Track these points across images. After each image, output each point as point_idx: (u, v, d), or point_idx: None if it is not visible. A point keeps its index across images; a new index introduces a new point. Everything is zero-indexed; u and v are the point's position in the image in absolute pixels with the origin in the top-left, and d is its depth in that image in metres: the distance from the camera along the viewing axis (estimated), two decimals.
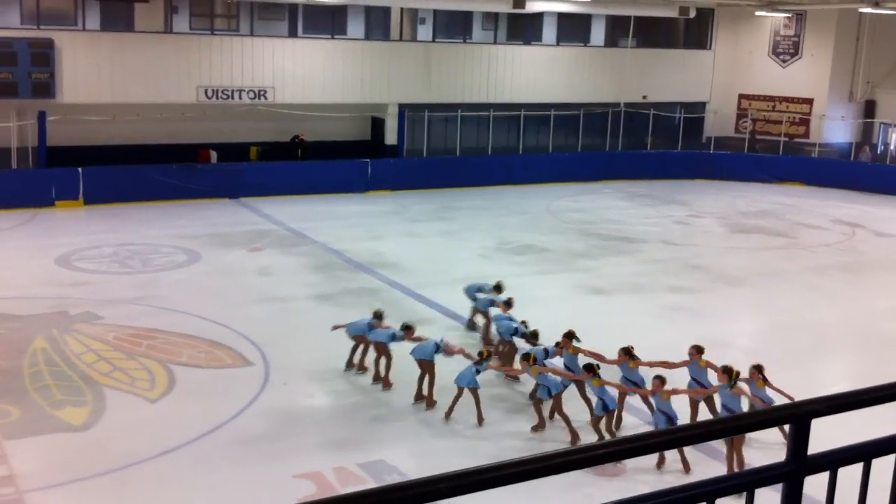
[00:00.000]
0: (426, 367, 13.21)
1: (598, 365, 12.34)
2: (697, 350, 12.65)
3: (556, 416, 12.49)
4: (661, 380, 11.65)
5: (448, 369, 13.15)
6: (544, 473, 2.17)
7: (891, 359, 15.90)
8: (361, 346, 14.23)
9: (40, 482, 10.78)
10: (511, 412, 13.19)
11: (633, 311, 17.06)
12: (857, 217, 28.77)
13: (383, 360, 13.85)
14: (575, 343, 13.22)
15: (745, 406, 11.55)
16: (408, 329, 13.76)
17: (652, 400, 12.01)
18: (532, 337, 13.88)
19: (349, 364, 14.30)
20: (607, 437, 11.87)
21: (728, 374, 11.62)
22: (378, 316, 14.27)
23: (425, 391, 13.22)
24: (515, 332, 14.34)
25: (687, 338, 15.27)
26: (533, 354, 12.61)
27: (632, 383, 12.49)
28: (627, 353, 12.58)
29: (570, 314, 17.14)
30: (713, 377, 12.36)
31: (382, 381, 13.78)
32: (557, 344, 13.27)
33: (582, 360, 13.00)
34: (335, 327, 14.55)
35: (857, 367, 16.08)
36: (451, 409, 12.73)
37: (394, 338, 13.75)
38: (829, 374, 15.91)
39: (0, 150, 26.30)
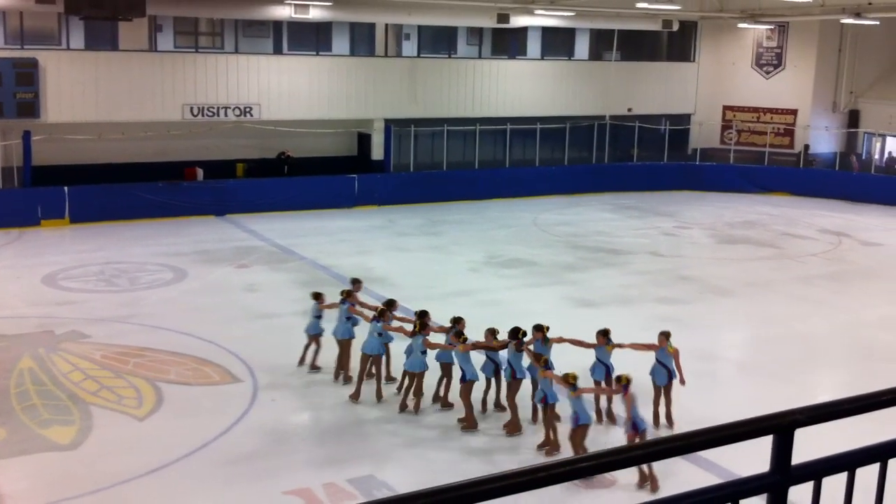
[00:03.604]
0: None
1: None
2: (666, 336, 13.19)
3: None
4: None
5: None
6: (527, 487, 2.17)
7: (878, 368, 15.94)
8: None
9: (28, 502, 10.71)
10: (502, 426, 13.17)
11: (623, 323, 17.00)
12: (844, 226, 28.90)
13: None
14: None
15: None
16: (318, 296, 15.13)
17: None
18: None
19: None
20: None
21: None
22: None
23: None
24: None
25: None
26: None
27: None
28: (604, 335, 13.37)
29: (560, 327, 17.14)
30: None
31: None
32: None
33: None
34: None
35: (845, 377, 16.12)
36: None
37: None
38: (818, 384, 15.94)
39: None
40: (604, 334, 13.27)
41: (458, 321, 13.64)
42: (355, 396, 13.77)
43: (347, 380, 14.38)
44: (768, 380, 15.39)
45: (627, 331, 15.24)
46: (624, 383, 11.58)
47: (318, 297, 15.15)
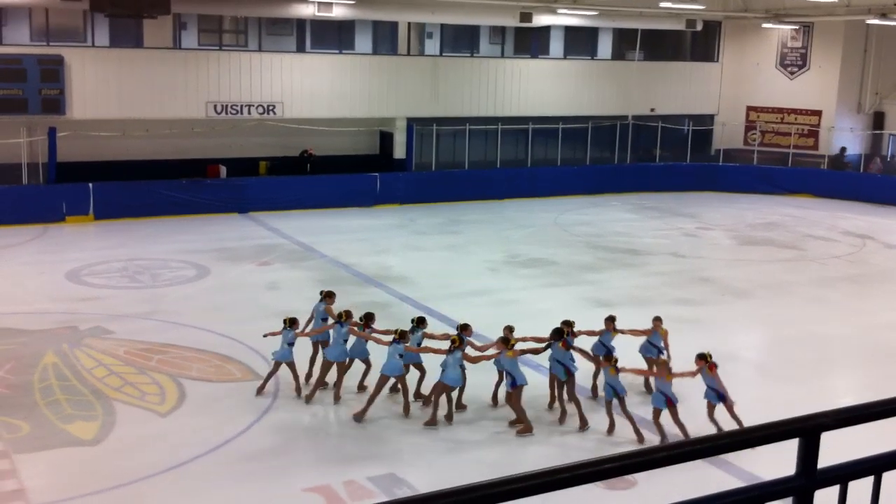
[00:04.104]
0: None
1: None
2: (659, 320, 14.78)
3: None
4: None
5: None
6: (550, 488, 2.18)
7: None
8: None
9: (50, 497, 10.79)
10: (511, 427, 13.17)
11: (640, 324, 17.00)
12: (867, 228, 28.69)
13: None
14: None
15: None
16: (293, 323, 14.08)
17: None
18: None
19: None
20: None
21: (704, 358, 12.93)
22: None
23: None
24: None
25: (694, 351, 15.24)
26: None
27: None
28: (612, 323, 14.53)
29: (577, 327, 17.13)
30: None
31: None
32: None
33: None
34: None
35: (865, 380, 15.99)
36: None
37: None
38: (838, 387, 15.84)
39: (10, 165, 26.45)
40: (611, 320, 14.51)
41: (464, 328, 13.61)
42: (361, 415, 13.11)
43: (337, 399, 13.73)
44: (786, 381, 15.32)
45: None
46: (708, 359, 12.71)
47: (293, 323, 13.99)
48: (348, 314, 13.99)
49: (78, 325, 17.02)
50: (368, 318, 14.08)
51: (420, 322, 14.11)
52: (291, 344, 13.88)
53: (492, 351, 13.32)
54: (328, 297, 14.86)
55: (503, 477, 2.14)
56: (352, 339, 13.97)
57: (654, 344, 14.47)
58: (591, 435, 12.97)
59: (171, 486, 11.17)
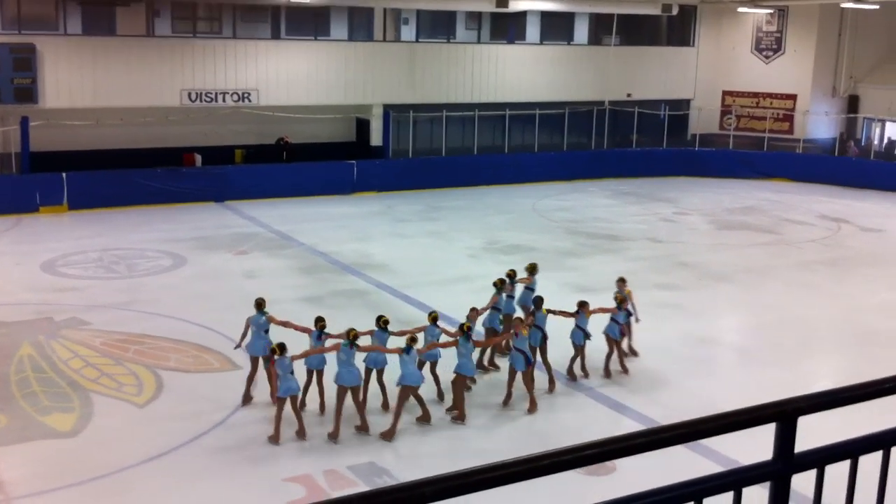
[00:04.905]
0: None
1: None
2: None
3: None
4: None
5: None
6: (531, 475, 2.16)
7: (877, 354, 15.94)
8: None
9: (28, 489, 10.72)
10: (499, 410, 13.19)
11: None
12: (843, 212, 28.88)
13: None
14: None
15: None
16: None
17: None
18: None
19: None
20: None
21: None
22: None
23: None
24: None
25: (674, 335, 15.33)
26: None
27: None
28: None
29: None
30: None
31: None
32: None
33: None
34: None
35: (843, 364, 16.13)
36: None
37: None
38: (816, 371, 15.95)
39: None
40: (583, 305, 14.68)
41: (434, 318, 13.55)
42: (389, 435, 12.18)
43: (364, 429, 12.30)
44: (767, 366, 15.41)
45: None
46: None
47: (283, 349, 12.00)
48: (322, 321, 12.80)
49: (54, 316, 16.89)
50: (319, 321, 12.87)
51: (380, 321, 12.94)
52: (292, 372, 11.99)
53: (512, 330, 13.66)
54: (261, 305, 13.33)
55: (485, 465, 2.12)
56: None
57: (532, 289, 15.57)
58: (582, 417, 13.02)
59: (150, 477, 11.12)
